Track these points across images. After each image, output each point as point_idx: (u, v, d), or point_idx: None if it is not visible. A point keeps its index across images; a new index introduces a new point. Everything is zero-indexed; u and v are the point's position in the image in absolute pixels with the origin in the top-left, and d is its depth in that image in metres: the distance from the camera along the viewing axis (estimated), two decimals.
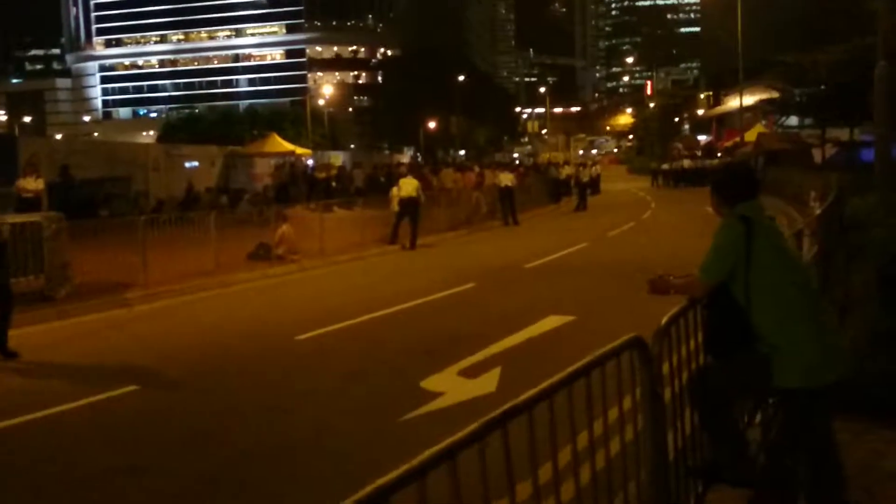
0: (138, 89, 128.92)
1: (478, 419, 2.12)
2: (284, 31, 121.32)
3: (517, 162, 64.48)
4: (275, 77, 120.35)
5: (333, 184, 34.47)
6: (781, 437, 3.94)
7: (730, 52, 41.93)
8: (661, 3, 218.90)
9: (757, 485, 3.93)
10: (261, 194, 29.32)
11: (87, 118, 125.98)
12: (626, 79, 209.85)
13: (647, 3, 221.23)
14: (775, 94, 38.78)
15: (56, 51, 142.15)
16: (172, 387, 7.52)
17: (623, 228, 22.05)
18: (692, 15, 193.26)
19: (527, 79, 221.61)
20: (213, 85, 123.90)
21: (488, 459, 2.13)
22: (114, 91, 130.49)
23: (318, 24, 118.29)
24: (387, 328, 9.82)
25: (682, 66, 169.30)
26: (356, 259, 17.05)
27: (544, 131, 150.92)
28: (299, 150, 38.19)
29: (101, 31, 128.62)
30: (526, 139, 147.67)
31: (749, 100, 44.16)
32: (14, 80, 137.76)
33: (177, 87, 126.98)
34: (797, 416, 3.58)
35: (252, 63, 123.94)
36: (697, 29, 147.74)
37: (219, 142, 41.12)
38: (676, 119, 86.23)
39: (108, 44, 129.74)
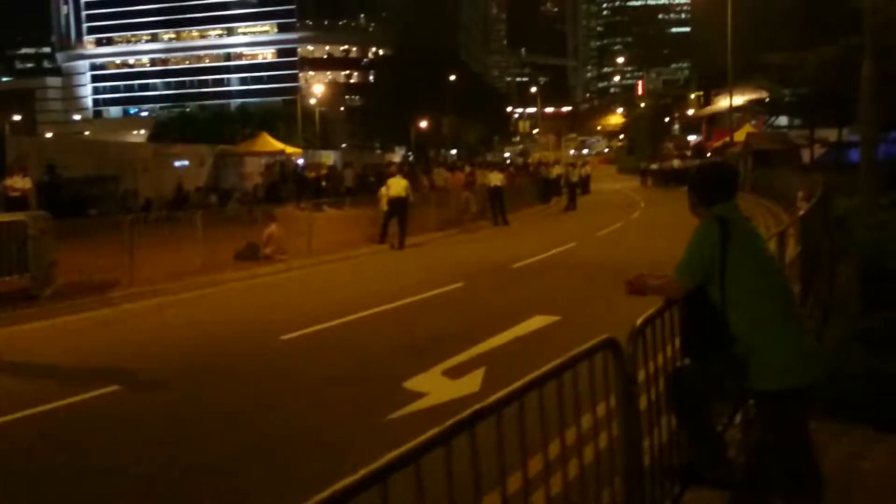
0: (129, 88, 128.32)
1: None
2: (276, 30, 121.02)
3: (507, 162, 64.51)
4: (266, 76, 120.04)
5: (324, 183, 34.45)
6: (760, 438, 3.95)
7: (720, 53, 41.96)
8: (653, 3, 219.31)
9: (735, 486, 3.94)
10: (250, 194, 29.29)
11: (77, 117, 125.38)
12: (617, 79, 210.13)
13: (639, 3, 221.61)
14: (765, 95, 38.90)
15: (46, 49, 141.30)
16: (155, 387, 7.48)
17: (612, 228, 22.08)
18: (683, 15, 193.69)
19: (518, 78, 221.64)
20: (204, 84, 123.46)
21: (456, 464, 2.11)
22: (104, 90, 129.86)
23: (310, 23, 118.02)
24: (373, 328, 9.80)
25: (673, 66, 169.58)
26: (344, 259, 17.02)
27: (535, 131, 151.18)
28: (290, 150, 38.15)
29: (91, 30, 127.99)
30: (517, 139, 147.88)
31: (739, 100, 44.31)
32: (4, 79, 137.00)
33: (168, 85, 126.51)
34: (774, 418, 3.58)
35: (243, 62, 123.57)
36: (688, 29, 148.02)
37: (210, 141, 41.01)
38: (667, 119, 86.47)
39: (99, 42, 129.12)
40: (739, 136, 41.98)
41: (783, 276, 3.97)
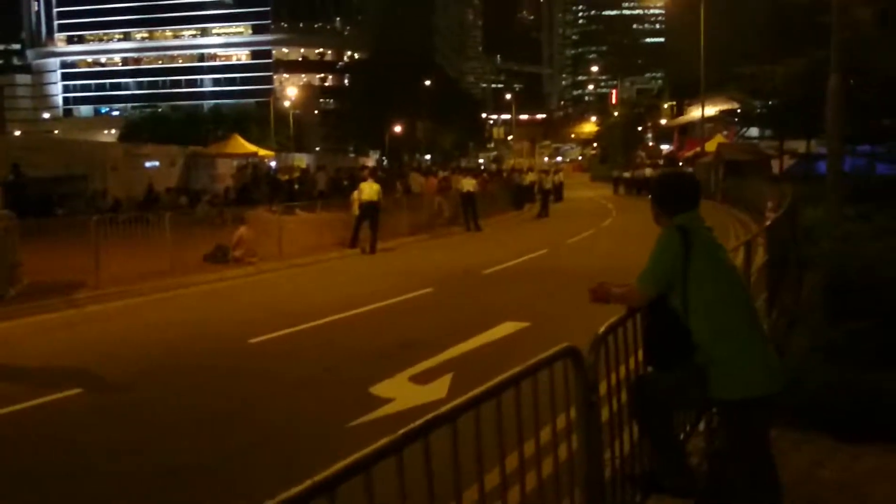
0: (101, 87, 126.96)
1: None
2: (251, 31, 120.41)
3: (481, 168, 64.67)
4: (240, 78, 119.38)
5: (296, 186, 34.26)
6: (723, 446, 3.97)
7: (693, 63, 42.39)
8: (628, 13, 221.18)
9: (697, 494, 3.96)
10: (221, 195, 29.03)
11: (47, 115, 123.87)
12: (591, 87, 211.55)
13: (614, 13, 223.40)
14: (736, 106, 39.34)
15: (16, 46, 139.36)
16: (118, 390, 7.38)
17: (583, 235, 22.17)
18: (657, 26, 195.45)
19: (493, 85, 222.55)
20: (177, 84, 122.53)
21: (411, 474, 2.07)
22: (75, 88, 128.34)
23: (285, 25, 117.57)
24: (341, 332, 9.75)
25: (647, 75, 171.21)
26: (315, 262, 16.93)
27: (510, 137, 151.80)
28: (262, 152, 37.93)
29: (62, 27, 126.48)
30: (492, 145, 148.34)
31: (711, 110, 44.75)
32: None
33: (140, 85, 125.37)
34: (735, 426, 3.60)
35: (217, 63, 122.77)
36: (662, 39, 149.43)
37: (182, 142, 40.69)
38: (640, 128, 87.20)
39: (70, 40, 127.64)
40: (711, 146, 42.43)
41: (745, 286, 4.00)
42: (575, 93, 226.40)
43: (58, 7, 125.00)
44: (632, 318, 3.72)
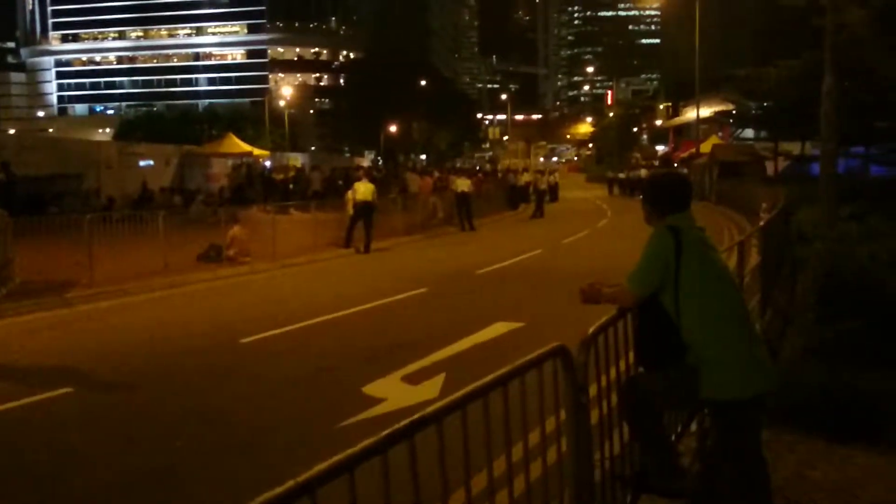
0: (95, 86, 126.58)
1: None
2: (246, 30, 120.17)
3: (476, 168, 64.67)
4: (235, 77, 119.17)
5: (291, 186, 34.22)
6: (714, 446, 3.96)
7: (689, 65, 42.45)
8: (623, 14, 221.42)
9: (688, 494, 3.94)
10: (215, 195, 28.95)
11: (41, 114, 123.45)
12: (587, 88, 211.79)
13: (609, 13, 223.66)
14: (731, 107, 39.41)
15: (11, 44, 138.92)
16: (108, 389, 7.34)
17: (578, 236, 22.18)
18: (653, 27, 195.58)
19: (489, 85, 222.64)
20: (172, 83, 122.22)
21: (397, 476, 2.05)
22: (70, 87, 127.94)
23: (280, 24, 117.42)
24: (333, 332, 9.72)
25: (643, 76, 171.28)
26: (309, 262, 16.89)
27: (506, 138, 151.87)
28: (257, 152, 37.87)
29: (57, 26, 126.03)
30: (487, 145, 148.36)
31: (706, 111, 44.82)
32: None
33: (135, 84, 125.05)
34: (726, 427, 3.59)
35: (212, 62, 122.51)
36: (658, 41, 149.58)
37: (176, 141, 40.56)
38: (635, 129, 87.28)
39: (65, 38, 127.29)
40: (706, 147, 42.47)
41: (737, 287, 3.99)
42: (570, 93, 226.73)
43: (52, 5, 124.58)
44: (623, 319, 3.71)
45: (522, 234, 23.98)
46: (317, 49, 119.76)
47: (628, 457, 3.80)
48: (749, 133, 45.28)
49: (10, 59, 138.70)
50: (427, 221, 24.28)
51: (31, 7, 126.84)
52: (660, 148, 74.79)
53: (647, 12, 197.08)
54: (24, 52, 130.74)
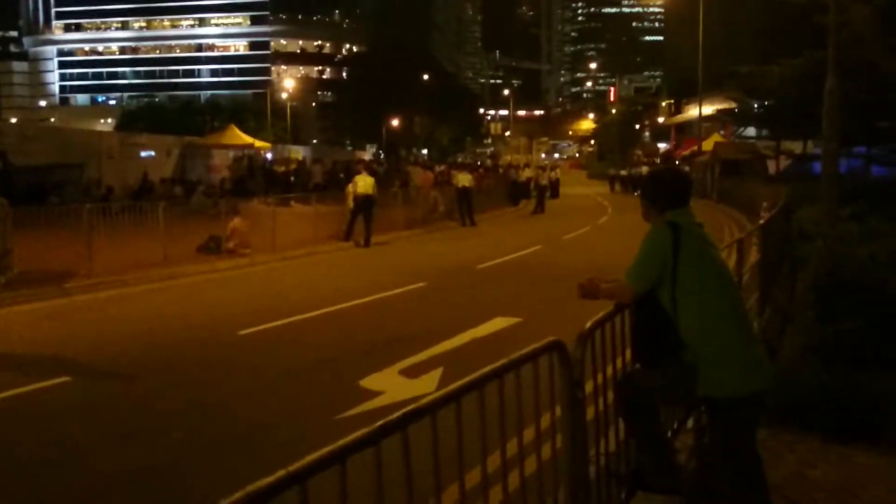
0: (97, 76, 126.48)
1: None
2: (249, 22, 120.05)
3: (478, 163, 64.65)
4: (238, 69, 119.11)
5: (292, 178, 34.21)
6: (710, 444, 3.94)
7: (691, 62, 42.38)
8: (627, 10, 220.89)
9: (684, 492, 3.93)
10: (215, 186, 28.92)
11: (43, 103, 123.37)
12: (589, 84, 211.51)
13: (613, 10, 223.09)
14: (733, 105, 39.35)
15: (13, 33, 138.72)
16: (105, 379, 7.34)
17: (579, 232, 22.17)
18: (656, 24, 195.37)
19: (492, 80, 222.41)
20: (174, 74, 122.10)
21: (389, 470, 2.03)
22: (72, 77, 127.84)
23: (284, 17, 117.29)
24: (332, 325, 9.72)
25: (646, 73, 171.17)
26: (308, 255, 16.88)
27: (507, 133, 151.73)
28: (258, 144, 37.83)
29: (60, 15, 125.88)
30: (489, 141, 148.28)
31: (708, 109, 44.72)
32: None
33: (137, 74, 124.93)
34: (722, 425, 3.57)
35: (215, 54, 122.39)
36: (661, 38, 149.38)
37: (178, 132, 40.56)
38: (637, 126, 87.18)
39: (68, 28, 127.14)
40: (708, 145, 42.42)
41: (735, 284, 3.97)
42: (573, 90, 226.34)
43: None
44: (620, 315, 3.69)
45: (523, 230, 23.96)
46: (320, 42, 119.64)
47: (624, 454, 3.79)
48: (751, 131, 45.21)
49: (12, 48, 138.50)
50: (428, 216, 24.26)
51: None
52: (662, 145, 74.72)
53: (651, 9, 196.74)
54: (26, 41, 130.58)
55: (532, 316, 9.83)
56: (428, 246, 19.48)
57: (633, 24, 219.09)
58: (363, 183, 18.68)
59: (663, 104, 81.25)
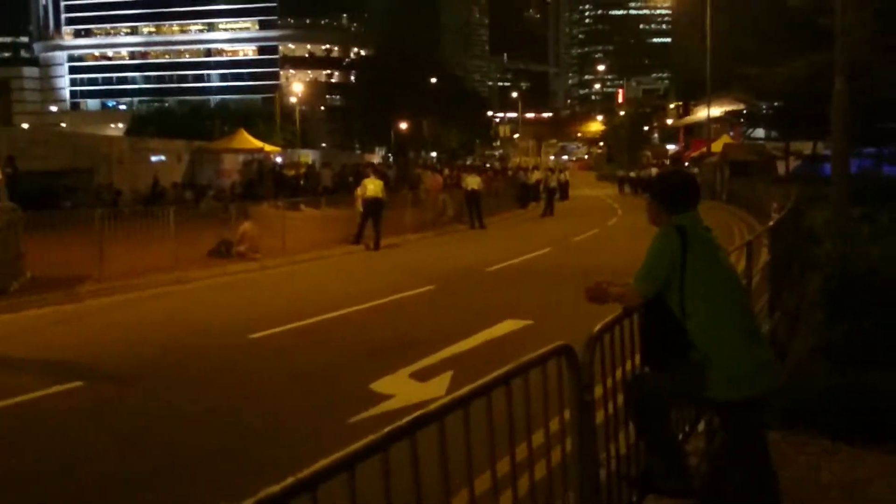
0: (107, 81, 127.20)
1: None
2: (257, 27, 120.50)
3: (487, 165, 64.63)
4: (247, 73, 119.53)
5: (301, 182, 34.30)
6: (720, 446, 3.94)
7: (699, 64, 42.31)
8: (634, 12, 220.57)
9: (694, 495, 3.93)
10: (226, 190, 29.04)
11: (54, 108, 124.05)
12: (597, 86, 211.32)
13: (620, 12, 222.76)
14: (742, 106, 39.23)
15: (24, 39, 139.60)
16: (118, 383, 7.38)
17: (587, 234, 22.15)
18: (664, 26, 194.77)
19: (500, 83, 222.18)
20: (183, 79, 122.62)
21: (398, 476, 2.04)
22: (82, 82, 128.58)
23: (292, 21, 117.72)
24: (342, 329, 9.74)
25: (654, 75, 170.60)
26: (318, 258, 16.92)
27: (516, 136, 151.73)
28: (268, 148, 37.91)
29: (70, 21, 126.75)
30: (498, 143, 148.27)
31: (717, 111, 44.62)
32: None
33: (147, 79, 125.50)
34: (731, 427, 3.58)
35: (224, 58, 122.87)
36: (669, 40, 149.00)
37: (188, 137, 40.70)
38: (646, 128, 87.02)
39: (78, 34, 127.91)
40: (717, 146, 42.33)
41: (743, 287, 3.97)
42: (581, 92, 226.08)
43: (65, 1, 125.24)
44: (629, 318, 3.70)
45: (532, 232, 23.95)
46: (328, 46, 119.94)
47: (634, 457, 3.79)
48: (760, 132, 45.09)
49: (23, 53, 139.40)
50: (437, 219, 24.29)
51: (44, 2, 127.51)
52: (670, 147, 74.58)
53: (658, 11, 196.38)
54: (36, 46, 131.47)
55: (542, 318, 9.83)
56: (437, 249, 19.50)
57: (641, 25, 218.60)
58: (372, 186, 18.71)
59: (672, 106, 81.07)
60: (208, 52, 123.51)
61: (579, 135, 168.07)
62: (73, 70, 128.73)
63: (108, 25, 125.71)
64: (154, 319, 10.65)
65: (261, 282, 14.07)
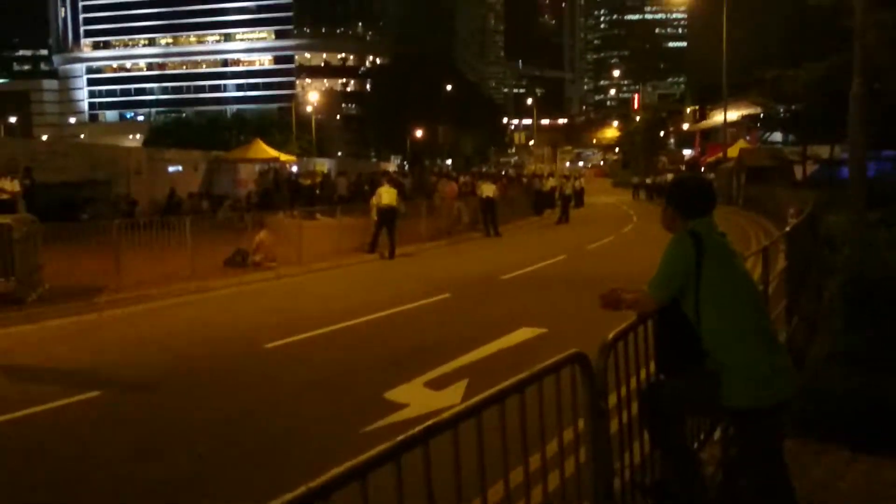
0: (125, 92, 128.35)
1: None
2: (273, 37, 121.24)
3: (502, 172, 64.63)
4: (263, 83, 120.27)
5: (317, 191, 34.40)
6: (735, 455, 3.91)
7: (716, 68, 42.13)
8: (650, 17, 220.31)
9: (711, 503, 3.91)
10: (242, 200, 29.18)
11: (73, 120, 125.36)
12: (613, 92, 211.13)
13: (636, 17, 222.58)
14: (759, 110, 39.04)
15: (44, 51, 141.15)
16: (137, 393, 7.42)
17: (603, 242, 22.08)
18: (679, 30, 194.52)
19: (515, 90, 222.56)
20: (201, 89, 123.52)
21: (411, 485, 2.04)
22: (101, 93, 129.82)
23: (307, 30, 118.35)
24: (357, 338, 9.76)
25: (669, 80, 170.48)
26: (334, 267, 16.96)
27: (531, 142, 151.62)
28: (284, 157, 38.09)
29: (88, 33, 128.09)
30: (513, 150, 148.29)
31: (733, 115, 44.42)
32: (1, 80, 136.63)
33: (164, 90, 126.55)
34: (746, 435, 3.55)
35: (240, 68, 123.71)
36: (684, 44, 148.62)
37: (205, 147, 41.00)
38: (662, 133, 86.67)
39: (96, 45, 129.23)
40: (733, 151, 42.11)
41: (758, 293, 3.94)
42: (597, 98, 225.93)
43: (84, 13, 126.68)
44: (643, 325, 3.68)
45: (547, 240, 23.91)
46: (343, 55, 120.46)
47: (649, 465, 3.77)
48: (777, 137, 44.85)
49: (42, 66, 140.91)
50: (452, 227, 24.29)
51: (63, 15, 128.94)
52: (686, 152, 74.24)
53: (674, 16, 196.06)
54: (56, 59, 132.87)
55: (557, 326, 9.80)
56: (452, 257, 19.50)
57: (657, 30, 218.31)
58: (387, 195, 18.75)
59: (688, 110, 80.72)
60: (225, 63, 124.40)
61: (595, 141, 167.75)
62: (91, 82, 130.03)
63: (126, 37, 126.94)
64: (171, 329, 10.72)
65: (277, 291, 14.12)
